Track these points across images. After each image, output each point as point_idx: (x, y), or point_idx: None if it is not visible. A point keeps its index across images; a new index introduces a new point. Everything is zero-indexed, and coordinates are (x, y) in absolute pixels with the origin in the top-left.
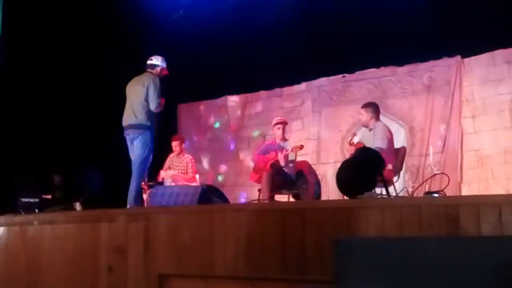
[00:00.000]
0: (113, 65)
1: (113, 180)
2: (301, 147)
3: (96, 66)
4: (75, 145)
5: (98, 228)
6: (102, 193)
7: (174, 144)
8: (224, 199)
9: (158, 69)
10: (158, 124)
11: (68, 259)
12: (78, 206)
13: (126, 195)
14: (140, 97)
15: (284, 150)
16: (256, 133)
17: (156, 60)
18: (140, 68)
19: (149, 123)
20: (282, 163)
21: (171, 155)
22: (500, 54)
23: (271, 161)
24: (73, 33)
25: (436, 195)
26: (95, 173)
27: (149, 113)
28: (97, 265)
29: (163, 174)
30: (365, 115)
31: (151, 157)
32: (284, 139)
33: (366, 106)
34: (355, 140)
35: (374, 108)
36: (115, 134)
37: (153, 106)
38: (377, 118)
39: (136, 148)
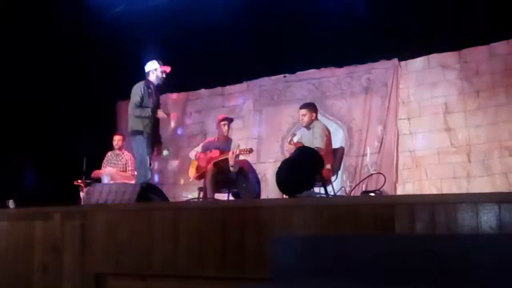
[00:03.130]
0: (47, 62)
1: (48, 177)
2: (250, 150)
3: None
4: (8, 142)
5: (32, 226)
6: (37, 190)
7: (117, 139)
8: (164, 197)
9: (153, 75)
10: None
11: (1, 258)
12: (11, 203)
13: (62, 192)
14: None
15: (235, 151)
16: (196, 130)
17: (147, 67)
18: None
19: (139, 128)
20: (231, 162)
21: (110, 152)
22: (435, 58)
23: (214, 159)
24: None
25: (372, 194)
26: (29, 170)
27: (138, 119)
28: (31, 264)
29: (101, 171)
30: (304, 115)
31: (147, 159)
32: (228, 137)
33: (304, 106)
34: (295, 139)
35: (312, 108)
36: (50, 130)
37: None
38: (315, 118)
39: (133, 151)
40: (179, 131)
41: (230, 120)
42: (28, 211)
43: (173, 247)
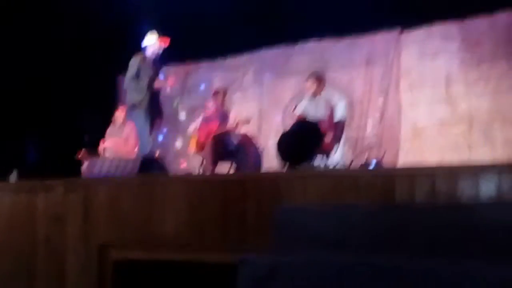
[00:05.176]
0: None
1: (51, 151)
2: (248, 121)
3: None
4: (12, 115)
5: (35, 199)
6: (39, 163)
7: (118, 113)
8: (165, 170)
9: (151, 48)
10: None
11: (3, 230)
12: (13, 176)
13: (64, 165)
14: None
15: (234, 122)
16: (197, 103)
17: (144, 41)
18: None
19: (137, 101)
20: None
21: (112, 126)
22: (436, 28)
23: (214, 132)
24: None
25: (374, 162)
26: (32, 144)
27: (135, 92)
28: (34, 236)
29: (103, 145)
30: (312, 84)
31: (147, 132)
32: (225, 109)
33: (313, 75)
34: (298, 109)
35: (321, 78)
36: (52, 105)
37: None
38: (322, 89)
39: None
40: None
41: (224, 92)
42: (31, 183)
43: (175, 219)
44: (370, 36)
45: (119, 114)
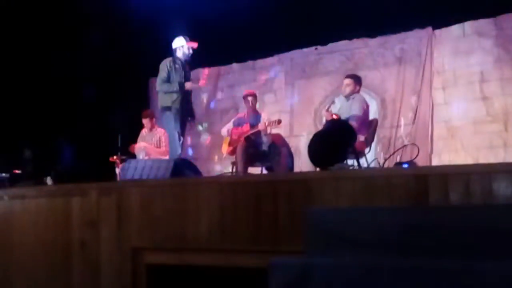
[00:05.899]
0: (80, 39)
1: (85, 154)
2: (279, 121)
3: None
4: (46, 119)
5: (70, 203)
6: (74, 167)
7: (145, 121)
8: (197, 172)
9: (180, 51)
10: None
11: (40, 234)
12: (49, 180)
13: (98, 169)
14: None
15: (265, 123)
16: (228, 105)
17: (173, 44)
18: None
19: (168, 104)
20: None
21: (143, 131)
22: (470, 25)
23: (245, 134)
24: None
25: (406, 165)
26: (67, 147)
27: (166, 95)
28: (70, 240)
29: (136, 147)
30: (348, 85)
31: (176, 134)
32: (255, 111)
33: (351, 76)
34: (333, 108)
35: (358, 80)
36: (87, 108)
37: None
38: (358, 91)
39: (165, 128)
40: (212, 105)
41: (253, 95)
42: (65, 187)
43: (207, 221)
44: (402, 34)
45: (146, 123)
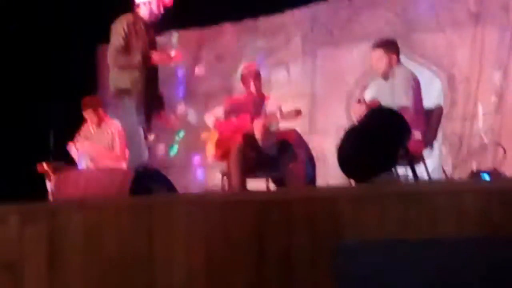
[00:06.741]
0: None
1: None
2: (298, 112)
3: None
4: None
5: None
6: None
7: (88, 114)
8: (170, 187)
9: (145, 7)
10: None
11: None
12: None
13: (20, 183)
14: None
15: (276, 114)
16: (218, 86)
17: None
18: None
19: (125, 85)
20: (258, 134)
21: (86, 126)
22: None
23: (244, 129)
24: None
25: (487, 176)
26: None
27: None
28: None
29: (76, 149)
30: (379, 59)
31: (140, 130)
32: (262, 94)
33: (379, 45)
34: (367, 96)
35: (391, 47)
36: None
37: None
38: (397, 62)
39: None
40: (191, 86)
41: (257, 73)
42: None
43: (185, 263)
44: None
45: (90, 113)
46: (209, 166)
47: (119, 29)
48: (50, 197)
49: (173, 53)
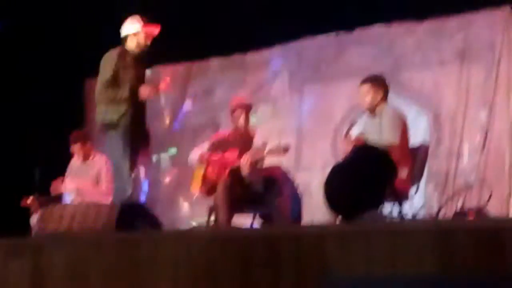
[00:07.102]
0: None
1: None
2: (285, 149)
3: None
4: None
5: None
6: None
7: (75, 148)
8: (155, 224)
9: (133, 40)
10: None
11: None
12: None
13: (4, 218)
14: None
15: (262, 151)
16: (204, 120)
17: (124, 29)
18: None
19: (113, 119)
20: (245, 170)
21: (73, 161)
22: None
23: (230, 165)
24: None
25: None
26: None
27: (111, 105)
28: None
29: (62, 185)
30: (366, 92)
31: (126, 165)
32: (248, 130)
33: (367, 80)
34: (354, 132)
35: (379, 83)
36: None
37: None
38: (384, 99)
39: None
40: (178, 122)
41: (247, 108)
42: None
43: None
44: (466, 16)
45: (78, 148)
46: (195, 201)
47: (108, 63)
48: (33, 232)
49: (160, 85)
